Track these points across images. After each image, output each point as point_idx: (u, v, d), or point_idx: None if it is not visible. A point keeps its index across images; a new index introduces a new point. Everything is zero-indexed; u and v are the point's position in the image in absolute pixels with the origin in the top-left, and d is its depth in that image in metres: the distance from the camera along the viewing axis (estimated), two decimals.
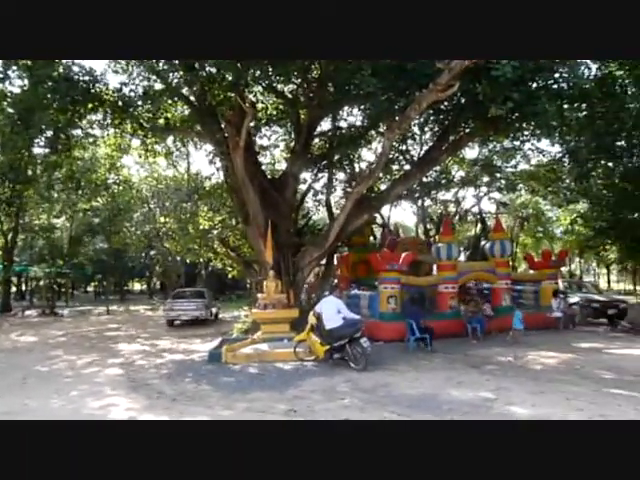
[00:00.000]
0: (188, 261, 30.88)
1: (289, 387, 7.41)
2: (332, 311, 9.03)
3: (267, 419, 5.57)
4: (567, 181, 21.68)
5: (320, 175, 18.78)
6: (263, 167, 17.69)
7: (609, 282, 37.85)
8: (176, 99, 13.83)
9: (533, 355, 10.08)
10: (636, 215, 17.63)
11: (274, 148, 18.94)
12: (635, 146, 17.37)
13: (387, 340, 11.75)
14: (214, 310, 20.66)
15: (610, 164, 18.44)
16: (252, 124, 14.74)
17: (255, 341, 11.24)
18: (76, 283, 49.09)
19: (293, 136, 16.36)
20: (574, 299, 16.62)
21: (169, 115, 14.91)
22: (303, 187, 19.33)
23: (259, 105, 15.41)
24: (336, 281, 18.43)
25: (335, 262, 18.74)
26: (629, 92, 14.77)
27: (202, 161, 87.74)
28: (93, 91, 12.13)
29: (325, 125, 17.18)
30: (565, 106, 13.46)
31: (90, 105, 12.50)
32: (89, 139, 15.57)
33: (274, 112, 16.20)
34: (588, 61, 13.18)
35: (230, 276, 26.93)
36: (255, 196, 13.30)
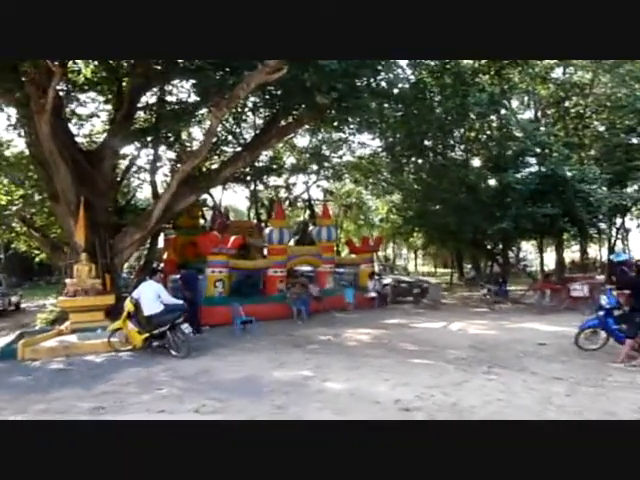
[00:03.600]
0: None
1: (99, 382, 6.69)
2: (151, 296, 8.42)
3: (71, 419, 4.90)
4: (385, 173, 23.85)
5: (145, 151, 17.48)
6: (79, 138, 15.72)
7: (416, 265, 42.96)
8: None
9: (350, 333, 10.83)
10: (438, 206, 20.11)
11: (93, 118, 16.94)
12: (439, 146, 19.82)
13: (214, 325, 11.48)
14: (14, 299, 17.91)
15: (420, 161, 20.73)
16: (62, 87, 12.91)
17: (62, 332, 9.98)
18: None
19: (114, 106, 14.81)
20: (387, 280, 18.39)
21: None
22: (125, 163, 17.77)
23: (72, 66, 13.53)
24: (162, 265, 17.43)
25: (161, 244, 17.71)
26: (436, 98, 16.70)
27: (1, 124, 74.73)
28: None
29: (152, 98, 15.96)
30: (385, 105, 14.66)
31: None
32: None
33: (91, 77, 14.41)
34: (404, 64, 14.50)
35: (38, 260, 23.55)
36: (66, 170, 11.67)
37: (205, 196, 20.83)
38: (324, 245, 15.74)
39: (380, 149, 21.92)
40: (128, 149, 17.20)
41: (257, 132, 17.15)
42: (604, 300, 7.92)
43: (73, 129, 15.00)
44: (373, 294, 15.74)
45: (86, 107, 15.80)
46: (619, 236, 24.17)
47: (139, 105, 14.63)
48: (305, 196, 28.25)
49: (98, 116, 16.74)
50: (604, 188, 17.26)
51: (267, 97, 13.85)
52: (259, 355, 8.44)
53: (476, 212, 17.16)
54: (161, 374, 7.11)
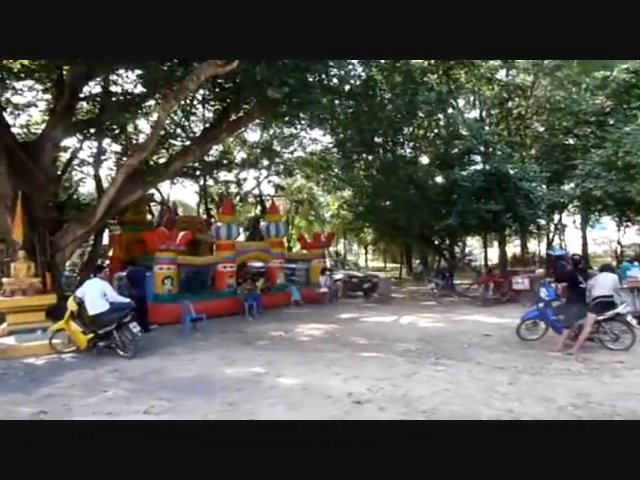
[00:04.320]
0: None
1: (40, 385, 6.37)
2: (96, 295, 8.10)
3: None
4: (336, 170, 24.02)
5: (88, 143, 16.74)
6: (16, 129, 14.84)
7: (366, 260, 43.61)
8: None
9: (302, 328, 10.86)
10: (388, 203, 20.47)
11: (30, 108, 16.01)
12: (389, 143, 20.18)
13: (163, 323, 11.20)
14: None
15: (370, 157, 21.02)
16: None
17: None
18: None
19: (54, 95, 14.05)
20: (338, 276, 18.58)
21: None
22: (67, 156, 16.96)
23: None
24: (107, 262, 16.80)
25: (106, 241, 17.06)
26: (386, 96, 16.98)
27: None
28: None
29: (95, 88, 15.28)
30: (336, 101, 14.74)
31: None
32: None
33: (28, 63, 13.60)
34: (355, 62, 14.61)
35: None
36: (0, 162, 11.01)
37: (153, 191, 20.28)
38: (273, 240, 15.69)
39: (331, 145, 22.05)
40: (70, 141, 16.46)
41: (207, 126, 16.79)
42: (543, 292, 8.35)
43: (9, 119, 14.15)
44: (325, 289, 15.86)
45: (23, 96, 14.93)
46: (556, 232, 25.53)
47: (81, 95, 13.98)
48: (256, 191, 28.03)
49: (36, 105, 15.86)
50: (543, 186, 18.17)
51: (217, 90, 13.58)
52: (210, 353, 8.31)
53: (424, 208, 17.61)
54: (107, 375, 6.87)
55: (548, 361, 7.13)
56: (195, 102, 17.01)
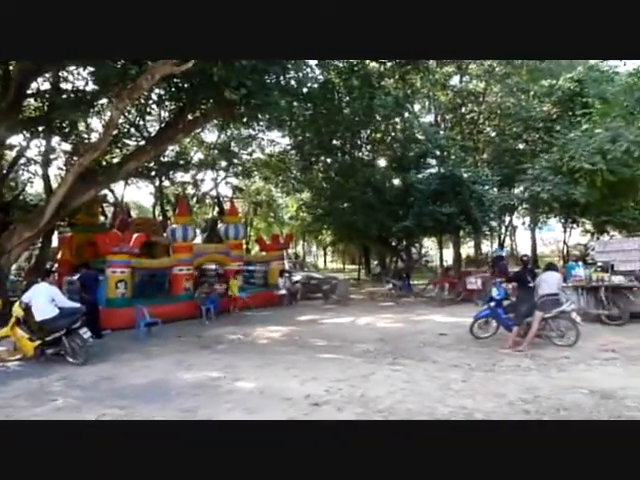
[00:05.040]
0: None
1: None
2: (44, 300, 7.75)
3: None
4: (294, 171, 24.03)
5: (36, 142, 16.06)
6: None
7: (325, 262, 43.83)
8: None
9: (261, 331, 10.79)
10: (346, 205, 20.66)
11: None
12: (347, 145, 20.38)
13: (116, 328, 10.85)
14: None
15: (328, 159, 21.16)
16: None
17: None
18: None
19: None
20: (297, 277, 18.56)
21: None
22: (12, 154, 16.19)
23: None
24: (56, 265, 16.12)
25: (56, 244, 16.37)
26: (344, 99, 17.15)
27: None
28: None
29: (44, 84, 14.68)
30: (295, 103, 14.75)
31: None
32: None
33: None
34: (313, 64, 14.67)
35: None
36: None
37: (105, 192, 19.63)
38: (232, 243, 15.52)
39: (290, 147, 22.07)
40: (16, 139, 15.74)
41: (162, 126, 16.44)
42: (494, 292, 8.64)
43: None
44: (283, 291, 15.82)
45: None
46: (507, 233, 26.49)
47: (29, 92, 13.39)
48: (214, 193, 27.64)
49: None
50: (495, 189, 18.84)
51: (173, 90, 13.31)
52: (165, 358, 8.12)
53: (382, 210, 17.89)
54: (56, 384, 6.59)
55: (500, 358, 7.38)
56: (150, 101, 16.63)
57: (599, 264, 10.99)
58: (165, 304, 12.30)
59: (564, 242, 27.90)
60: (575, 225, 25.74)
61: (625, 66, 15.41)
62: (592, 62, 18.18)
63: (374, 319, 12.35)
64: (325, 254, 44.06)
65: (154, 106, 17.82)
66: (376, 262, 32.95)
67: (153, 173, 21.55)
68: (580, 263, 11.91)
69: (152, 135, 17.03)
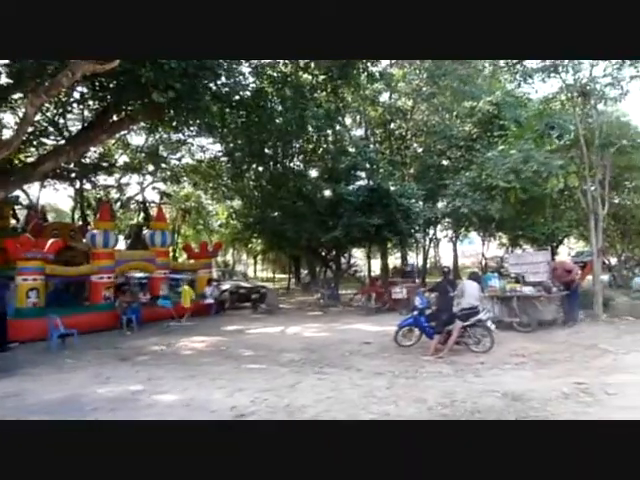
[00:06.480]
0: None
1: None
2: None
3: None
4: (225, 179, 23.68)
5: None
6: None
7: (255, 271, 43.38)
8: None
9: (185, 341, 10.47)
10: (277, 214, 20.64)
11: None
12: (279, 155, 20.41)
13: (26, 340, 10.09)
14: None
15: (260, 168, 21.06)
16: None
17: None
18: None
19: None
20: (226, 286, 18.25)
21: None
22: None
23: None
24: None
25: None
26: (277, 108, 17.18)
27: None
28: None
29: None
30: (227, 109, 14.57)
31: None
32: None
33: None
34: (246, 72, 14.58)
35: None
36: None
37: (18, 193, 18.27)
38: (158, 250, 14.99)
39: (221, 154, 21.73)
40: None
41: (85, 125, 15.59)
42: (417, 301, 8.98)
43: None
44: (211, 300, 15.47)
45: None
46: (431, 245, 27.66)
47: None
48: (139, 198, 26.58)
49: None
50: (420, 202, 19.63)
51: (98, 88, 12.68)
52: (81, 371, 7.65)
53: (312, 220, 18.05)
54: None
55: (422, 365, 7.66)
56: (72, 99, 15.73)
57: (512, 275, 11.77)
58: (82, 314, 11.64)
59: (482, 254, 29.62)
60: (492, 238, 27.44)
61: (537, 93, 16.74)
62: (509, 87, 19.54)
63: (302, 328, 12.39)
64: (255, 263, 43.58)
65: (76, 104, 16.86)
66: (306, 272, 33.15)
67: (73, 175, 20.34)
68: (496, 274, 12.68)
69: (73, 135, 16.11)
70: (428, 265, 28.71)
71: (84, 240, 14.80)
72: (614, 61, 10.94)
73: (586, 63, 11.42)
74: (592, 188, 11.57)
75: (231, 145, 19.65)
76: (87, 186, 23.38)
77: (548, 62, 11.44)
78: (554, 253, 19.71)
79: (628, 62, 10.84)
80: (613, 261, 17.89)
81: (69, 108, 16.86)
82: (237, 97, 13.79)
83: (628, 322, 10.55)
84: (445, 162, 23.14)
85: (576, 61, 11.32)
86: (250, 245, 32.87)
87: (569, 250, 29.28)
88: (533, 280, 11.23)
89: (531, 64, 12.09)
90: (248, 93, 14.58)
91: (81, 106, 16.79)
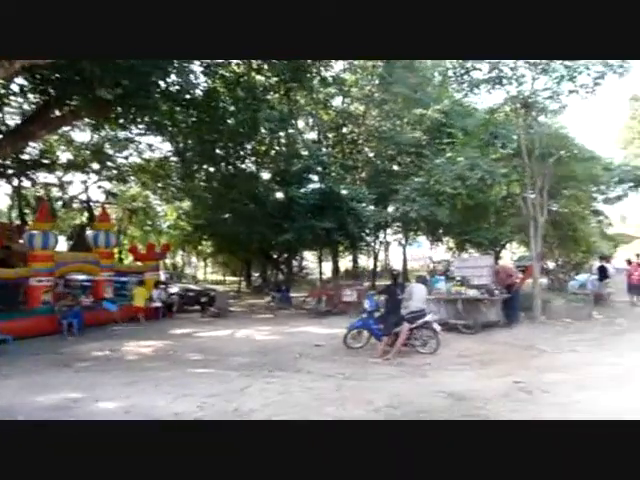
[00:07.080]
0: None
1: None
2: None
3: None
4: (175, 179, 23.14)
5: None
6: None
7: (205, 273, 42.59)
8: None
9: (131, 346, 10.13)
10: (228, 216, 20.39)
11: None
12: (231, 156, 20.16)
13: None
14: None
15: (211, 169, 20.74)
16: None
17: None
18: None
19: None
20: (174, 289, 17.81)
21: None
22: None
23: None
24: None
25: None
26: (229, 108, 16.97)
27: None
28: None
29: None
30: (177, 108, 14.25)
31: None
32: None
33: None
34: (198, 72, 14.31)
35: None
36: None
37: None
38: (102, 251, 14.43)
39: (170, 153, 21.21)
40: None
41: (24, 119, 14.80)
42: (366, 304, 9.10)
43: None
44: (158, 304, 15.05)
45: None
46: (381, 248, 28.15)
47: None
48: (83, 197, 25.50)
49: None
50: (371, 206, 19.94)
51: (39, 81, 12.08)
52: (15, 379, 7.23)
53: (263, 223, 17.96)
54: None
55: (370, 367, 7.77)
56: (9, 91, 14.89)
57: (458, 278, 12.15)
58: (19, 319, 11.03)
59: (430, 258, 30.42)
60: (440, 243, 28.21)
61: (483, 104, 17.40)
62: (457, 96, 20.21)
63: (252, 332, 12.27)
64: (205, 265, 42.83)
65: (14, 97, 15.98)
66: (257, 274, 32.88)
67: (10, 171, 19.26)
68: (443, 277, 13.05)
69: (10, 129, 15.27)
70: (379, 268, 29.17)
71: (21, 241, 14.03)
72: (554, 75, 11.54)
73: (529, 76, 11.98)
74: (532, 196, 12.15)
75: (181, 145, 19.23)
76: (26, 183, 22.22)
77: (494, 74, 11.91)
78: (497, 257, 20.51)
79: (567, 77, 11.43)
80: (551, 265, 18.80)
81: (6, 101, 15.97)
82: (188, 96, 13.52)
83: (564, 323, 11.14)
84: (395, 167, 23.63)
85: (519, 74, 11.86)
86: (200, 247, 32.26)
87: (512, 255, 30.55)
88: (477, 283, 11.64)
89: (477, 75, 12.56)
90: (199, 92, 14.32)
91: (20, 99, 15.96)
